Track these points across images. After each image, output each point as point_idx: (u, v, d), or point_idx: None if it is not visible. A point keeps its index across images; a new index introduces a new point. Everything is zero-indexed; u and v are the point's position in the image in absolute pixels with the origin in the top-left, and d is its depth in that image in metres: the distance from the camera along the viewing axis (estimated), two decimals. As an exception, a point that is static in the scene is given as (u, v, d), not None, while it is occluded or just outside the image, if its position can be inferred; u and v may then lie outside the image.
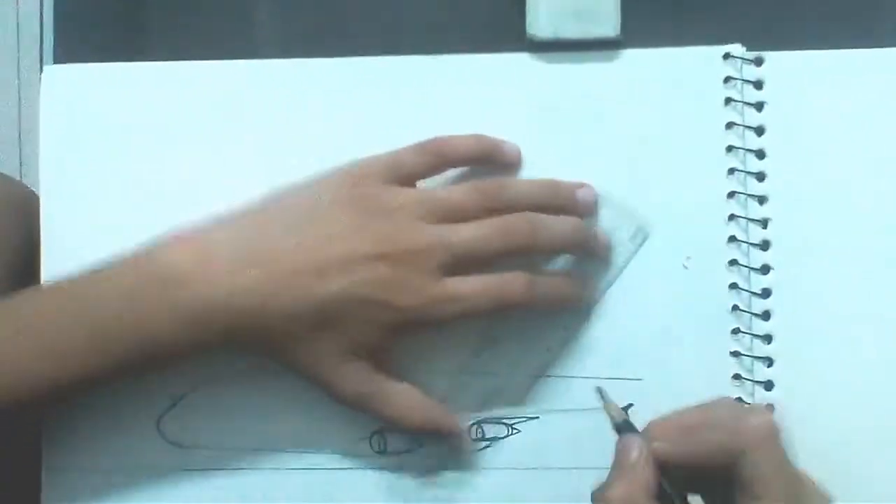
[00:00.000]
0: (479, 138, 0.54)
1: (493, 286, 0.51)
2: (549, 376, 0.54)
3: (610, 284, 0.54)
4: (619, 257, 0.54)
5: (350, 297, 0.50)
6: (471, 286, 0.51)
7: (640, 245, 0.54)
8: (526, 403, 0.54)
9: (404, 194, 0.52)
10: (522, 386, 0.54)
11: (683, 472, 0.45)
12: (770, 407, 0.52)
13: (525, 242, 0.52)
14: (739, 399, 0.53)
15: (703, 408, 0.46)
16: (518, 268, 0.52)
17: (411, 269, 0.50)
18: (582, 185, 0.54)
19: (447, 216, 0.52)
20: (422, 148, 0.53)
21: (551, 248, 0.53)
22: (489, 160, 0.54)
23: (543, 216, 0.52)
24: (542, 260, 0.54)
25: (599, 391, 0.49)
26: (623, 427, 0.47)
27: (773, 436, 0.45)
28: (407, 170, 0.53)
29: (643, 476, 0.45)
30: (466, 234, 0.51)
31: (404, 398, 0.53)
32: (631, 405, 0.53)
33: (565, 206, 0.53)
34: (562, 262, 0.54)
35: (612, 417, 0.48)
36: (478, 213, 0.52)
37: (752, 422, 0.45)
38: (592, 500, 0.45)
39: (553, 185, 0.54)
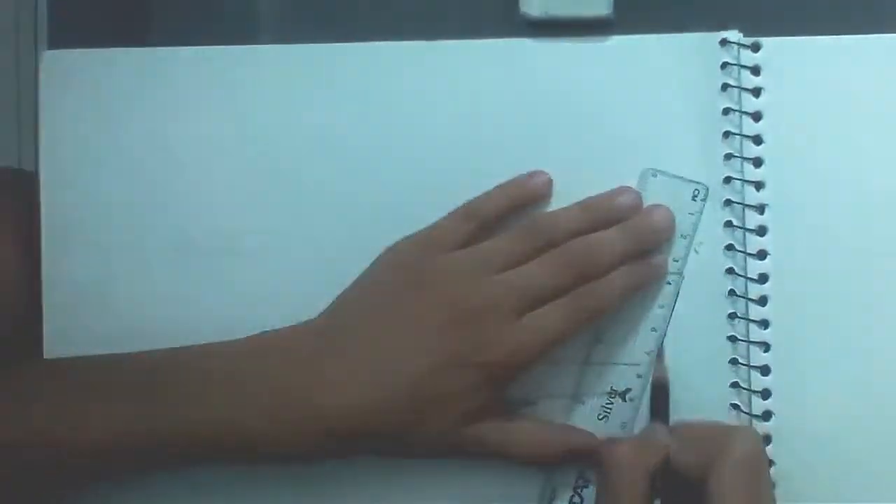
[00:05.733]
0: (503, 189, 0.54)
1: (569, 305, 0.51)
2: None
3: (688, 249, 0.54)
4: (686, 221, 0.54)
5: (437, 371, 0.50)
6: (552, 316, 0.51)
7: (705, 201, 0.54)
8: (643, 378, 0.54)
9: (454, 257, 0.52)
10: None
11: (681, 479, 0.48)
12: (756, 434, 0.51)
13: (588, 268, 0.52)
14: (735, 384, 0.53)
15: (717, 426, 0.51)
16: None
17: (490, 324, 0.51)
18: (619, 192, 0.54)
19: (504, 265, 0.52)
20: (458, 216, 0.53)
21: (614, 262, 0.52)
22: (523, 204, 0.54)
23: (594, 236, 0.52)
24: None
25: (661, 352, 0.53)
26: (657, 393, 0.52)
27: (743, 462, 0.47)
28: (451, 241, 0.53)
29: (654, 458, 0.48)
30: (531, 275, 0.51)
31: (529, 438, 0.53)
32: (629, 390, 0.54)
33: (610, 220, 0.53)
34: None
35: (655, 370, 0.53)
36: (530, 254, 0.52)
37: (731, 445, 0.47)
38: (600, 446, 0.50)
39: (591, 207, 0.53)
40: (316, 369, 0.51)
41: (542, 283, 0.51)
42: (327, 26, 0.57)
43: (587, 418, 0.54)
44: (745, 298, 0.54)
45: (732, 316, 0.54)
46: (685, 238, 0.54)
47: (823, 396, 0.53)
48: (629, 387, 0.54)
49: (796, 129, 0.54)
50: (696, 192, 0.54)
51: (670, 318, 0.54)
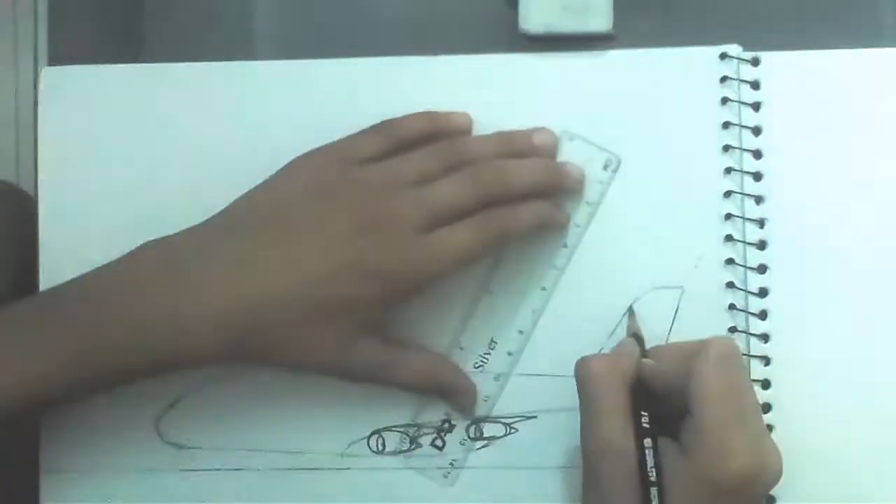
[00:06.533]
0: (428, 115, 0.54)
1: (475, 225, 0.51)
2: (546, 375, 0.54)
3: (591, 216, 0.54)
4: (594, 189, 0.55)
5: (337, 275, 0.50)
6: (456, 234, 0.51)
7: (615, 172, 0.54)
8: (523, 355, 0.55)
9: (365, 169, 0.52)
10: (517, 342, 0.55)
11: (660, 398, 0.48)
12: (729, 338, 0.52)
13: (497, 189, 0.52)
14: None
15: (691, 341, 0.49)
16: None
17: (394, 235, 0.50)
18: (537, 130, 0.54)
19: (414, 180, 0.52)
20: (375, 132, 0.53)
21: (523, 189, 0.52)
22: (440, 133, 0.54)
23: (509, 160, 0.53)
24: None
25: (631, 310, 0.53)
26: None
27: (720, 358, 0.47)
28: (365, 154, 0.53)
29: (628, 367, 0.49)
30: (440, 189, 0.51)
31: (414, 363, 0.53)
32: (509, 343, 0.54)
33: (524, 153, 0.54)
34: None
35: (628, 328, 0.53)
36: (441, 173, 0.52)
37: (706, 347, 0.47)
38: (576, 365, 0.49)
39: (507, 137, 0.54)
40: (206, 267, 0.50)
41: (451, 202, 0.51)
42: (326, 42, 0.57)
43: (463, 365, 0.54)
44: (746, 312, 0.54)
45: (733, 330, 0.54)
46: (590, 206, 0.54)
47: (824, 408, 0.53)
48: (509, 340, 0.54)
49: (796, 143, 0.54)
50: (609, 161, 0.54)
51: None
